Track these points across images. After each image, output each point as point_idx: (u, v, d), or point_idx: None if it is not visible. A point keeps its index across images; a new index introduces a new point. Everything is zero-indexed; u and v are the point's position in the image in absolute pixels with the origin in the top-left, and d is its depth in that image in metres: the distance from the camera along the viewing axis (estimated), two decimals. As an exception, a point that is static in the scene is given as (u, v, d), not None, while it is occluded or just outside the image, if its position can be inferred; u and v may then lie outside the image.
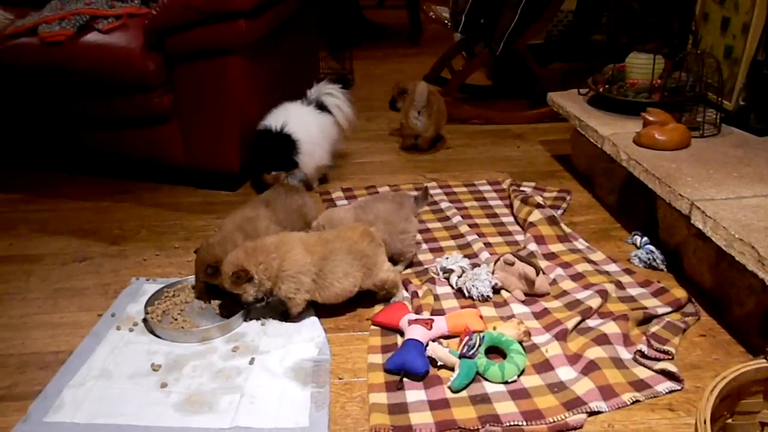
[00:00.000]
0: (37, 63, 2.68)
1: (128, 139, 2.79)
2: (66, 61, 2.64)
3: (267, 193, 2.29)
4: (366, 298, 1.98)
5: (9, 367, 1.78)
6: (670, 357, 1.70)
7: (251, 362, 1.75)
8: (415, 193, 2.64)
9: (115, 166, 2.98)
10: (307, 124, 2.70)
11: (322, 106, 2.82)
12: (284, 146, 2.60)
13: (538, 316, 1.90)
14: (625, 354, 1.72)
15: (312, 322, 1.91)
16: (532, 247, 2.24)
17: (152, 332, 1.89)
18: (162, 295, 2.03)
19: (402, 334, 1.81)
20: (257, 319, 1.93)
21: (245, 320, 1.93)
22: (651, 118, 2.36)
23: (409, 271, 2.17)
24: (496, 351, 1.74)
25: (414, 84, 3.15)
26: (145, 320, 1.92)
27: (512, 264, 1.99)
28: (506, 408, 1.56)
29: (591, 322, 1.85)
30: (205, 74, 2.60)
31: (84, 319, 1.97)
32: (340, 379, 1.70)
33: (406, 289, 2.04)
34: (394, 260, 2.16)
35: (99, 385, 1.67)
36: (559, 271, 2.11)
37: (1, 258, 2.34)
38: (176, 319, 1.93)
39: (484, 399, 1.59)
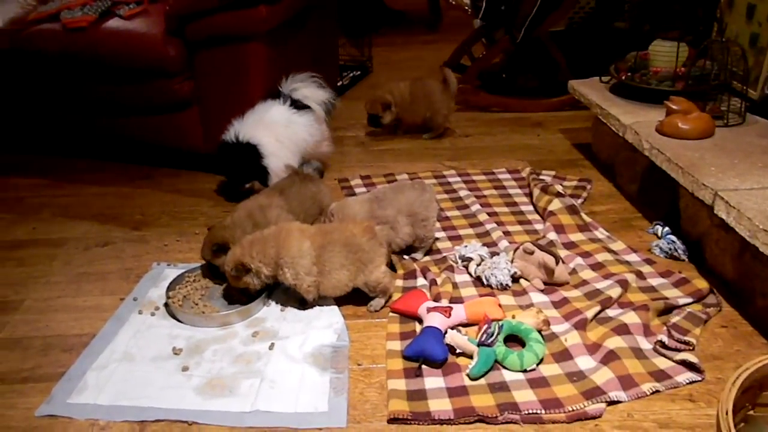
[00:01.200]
0: (59, 49, 2.71)
1: (149, 125, 2.81)
2: (88, 47, 2.66)
3: (282, 181, 2.32)
4: (385, 285, 1.98)
5: (33, 349, 1.81)
6: (691, 348, 1.69)
7: (271, 347, 1.76)
8: (433, 181, 2.65)
9: (135, 152, 3.00)
10: (271, 122, 2.56)
11: (297, 104, 2.65)
12: (245, 155, 2.49)
13: (557, 305, 1.90)
14: (645, 344, 1.71)
15: (331, 309, 1.92)
16: (552, 236, 2.23)
17: (173, 316, 1.92)
18: (183, 280, 2.05)
19: (420, 321, 1.82)
20: (277, 303, 1.95)
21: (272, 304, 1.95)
22: (674, 107, 2.33)
23: (427, 258, 2.18)
24: (514, 339, 1.74)
25: (443, 72, 3.22)
26: (166, 305, 1.95)
27: (532, 253, 1.99)
28: (525, 396, 1.56)
29: (611, 312, 1.84)
30: (226, 60, 2.61)
31: (107, 302, 2.00)
32: (358, 365, 1.71)
33: (425, 277, 2.04)
34: (413, 247, 2.17)
35: (121, 368, 1.70)
36: (579, 260, 2.10)
37: (26, 242, 2.38)
38: (197, 304, 1.95)
39: (502, 387, 1.59)
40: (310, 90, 2.70)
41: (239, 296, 1.94)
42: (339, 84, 3.86)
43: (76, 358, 1.75)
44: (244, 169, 2.51)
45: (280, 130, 2.57)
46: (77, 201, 2.68)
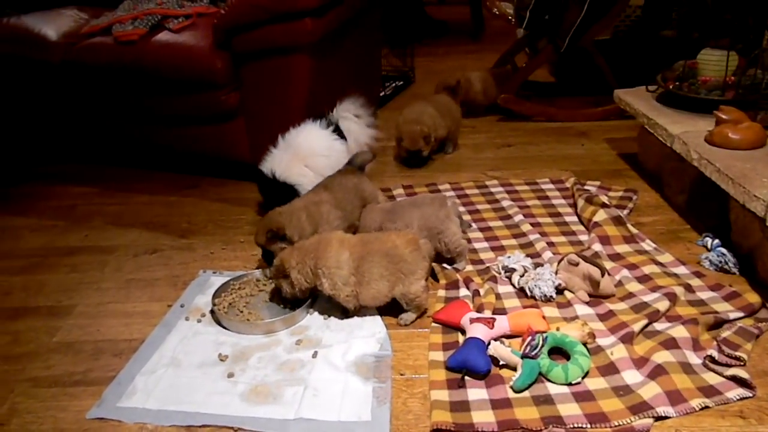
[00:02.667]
0: (111, 61, 2.79)
1: (196, 135, 2.87)
2: (138, 60, 2.74)
3: (325, 178, 2.36)
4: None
5: (85, 353, 1.86)
6: (742, 363, 1.64)
7: (314, 355, 1.78)
8: (475, 191, 2.64)
9: (183, 162, 3.07)
10: (309, 155, 2.51)
11: (340, 131, 2.63)
12: (284, 194, 2.40)
13: (602, 318, 1.87)
14: (695, 359, 1.68)
15: (374, 318, 1.93)
16: (597, 247, 2.20)
17: (219, 323, 1.95)
18: (228, 288, 2.09)
19: (463, 332, 1.81)
20: (320, 313, 1.96)
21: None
22: (724, 116, 2.28)
23: (470, 269, 2.17)
24: (559, 352, 1.72)
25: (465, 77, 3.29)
26: (212, 312, 1.98)
27: (576, 264, 1.96)
28: (570, 410, 1.54)
29: (658, 326, 1.81)
30: (272, 72, 2.65)
31: (155, 308, 2.04)
32: (401, 375, 1.71)
33: (467, 288, 2.04)
34: (449, 260, 2.17)
35: (169, 373, 1.74)
36: (625, 272, 2.07)
37: (78, 248, 2.45)
38: (242, 312, 1.98)
39: (547, 400, 1.57)
40: (354, 126, 2.70)
41: (283, 300, 1.98)
42: (382, 94, 3.88)
43: (126, 362, 1.79)
44: (280, 203, 2.32)
45: (318, 160, 2.53)
46: (127, 209, 2.75)
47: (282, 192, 2.44)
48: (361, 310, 1.94)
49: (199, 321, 1.97)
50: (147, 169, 3.14)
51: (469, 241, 2.33)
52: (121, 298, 2.12)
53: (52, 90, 3.00)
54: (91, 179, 3.06)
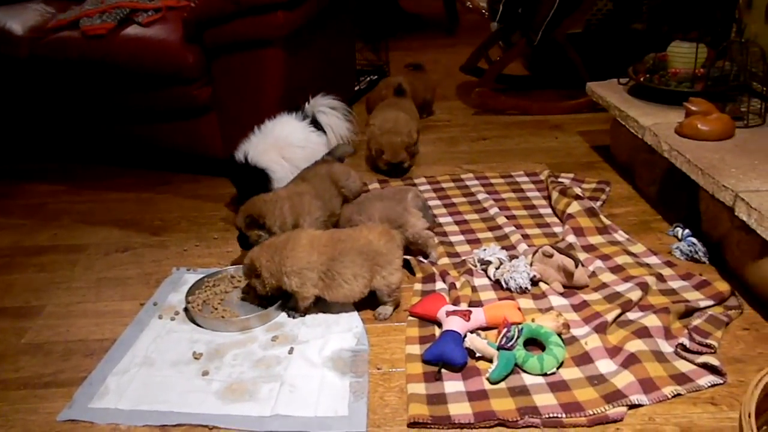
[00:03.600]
0: (79, 56, 2.74)
1: (168, 131, 2.84)
2: (107, 54, 2.69)
3: (302, 170, 2.37)
4: (404, 288, 1.98)
5: (55, 354, 1.83)
6: (713, 350, 1.67)
7: (290, 351, 1.77)
8: (451, 184, 2.65)
9: (155, 158, 3.03)
10: (285, 141, 2.50)
11: (317, 123, 2.63)
12: (254, 179, 2.42)
13: (577, 308, 1.88)
14: (667, 347, 1.70)
15: (350, 313, 1.92)
16: (571, 239, 2.22)
17: (193, 321, 1.93)
18: (202, 285, 2.06)
19: (440, 325, 1.82)
20: (293, 310, 1.94)
21: (284, 312, 1.95)
22: (694, 108, 2.31)
23: (446, 261, 2.17)
24: (534, 343, 1.73)
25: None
26: (186, 309, 1.96)
27: (551, 256, 1.98)
28: (545, 400, 1.55)
29: (631, 315, 1.83)
30: (244, 66, 2.63)
31: (127, 307, 2.01)
32: (378, 369, 1.70)
33: (444, 281, 2.04)
34: (424, 254, 2.17)
35: (142, 373, 1.71)
36: (599, 263, 2.09)
37: (47, 248, 2.40)
38: (216, 309, 1.96)
39: (522, 391, 1.58)
40: (334, 119, 2.69)
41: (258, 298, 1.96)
42: (356, 88, 3.86)
43: (97, 362, 1.76)
44: (252, 190, 2.35)
45: (294, 151, 2.51)
46: (97, 207, 2.71)
47: (252, 178, 2.42)
48: (338, 306, 1.93)
49: (172, 319, 1.94)
50: (118, 166, 3.09)
51: (444, 234, 2.33)
52: (91, 297, 2.09)
53: (19, 86, 2.94)
54: (61, 177, 3.01)
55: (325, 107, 2.69)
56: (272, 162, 2.45)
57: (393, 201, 2.17)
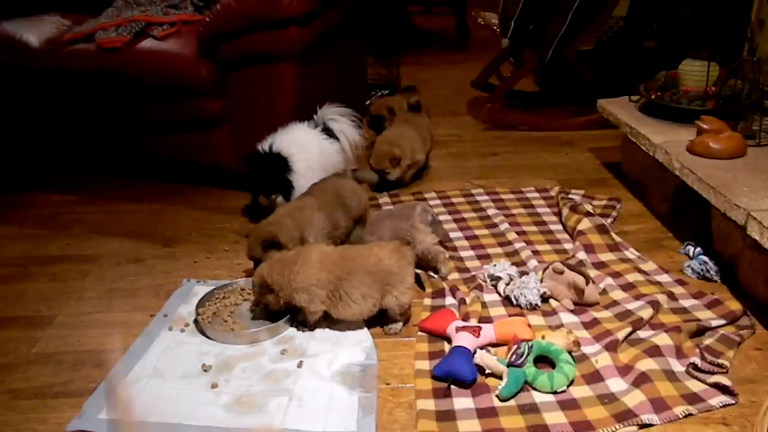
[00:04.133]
0: (94, 68, 2.77)
1: (180, 143, 2.85)
2: (122, 67, 2.72)
3: (312, 185, 2.38)
4: (413, 303, 1.98)
5: (65, 364, 1.83)
6: (724, 370, 1.65)
7: (299, 365, 1.77)
8: (461, 199, 2.65)
9: (167, 170, 3.05)
10: (304, 143, 2.55)
11: (328, 131, 2.66)
12: (274, 166, 2.47)
13: (587, 326, 1.88)
14: (678, 366, 1.69)
15: (359, 328, 1.92)
16: (582, 255, 2.21)
17: (203, 333, 1.93)
18: (213, 297, 2.07)
19: (449, 341, 1.81)
20: (302, 324, 1.94)
21: (292, 325, 1.95)
22: (705, 126, 2.31)
23: (456, 277, 2.17)
24: (544, 360, 1.72)
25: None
26: (196, 321, 1.96)
27: (561, 272, 1.97)
28: (555, 418, 1.54)
29: (642, 334, 1.82)
30: (257, 80, 2.65)
31: (137, 318, 2.02)
32: (387, 384, 1.70)
33: (454, 296, 2.04)
34: (434, 269, 2.17)
35: (152, 384, 1.71)
36: (609, 280, 2.08)
37: (59, 257, 2.42)
38: (226, 321, 1.97)
39: (532, 408, 1.58)
40: (345, 126, 2.70)
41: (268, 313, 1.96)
42: (367, 103, 3.88)
43: (108, 373, 1.76)
44: (271, 178, 2.48)
45: (312, 152, 2.56)
46: (109, 218, 2.72)
47: (274, 164, 2.47)
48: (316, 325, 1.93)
49: (182, 331, 1.95)
50: (130, 177, 3.11)
51: (455, 249, 2.33)
52: (102, 308, 2.09)
53: (35, 97, 2.97)
54: (73, 187, 3.02)
55: (336, 114, 2.71)
56: (296, 151, 2.50)
57: (400, 219, 2.18)
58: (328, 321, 1.93)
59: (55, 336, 1.96)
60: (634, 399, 1.57)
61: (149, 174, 3.09)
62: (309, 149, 2.56)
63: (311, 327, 1.92)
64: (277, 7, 2.48)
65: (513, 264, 2.17)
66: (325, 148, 2.62)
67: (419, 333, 1.89)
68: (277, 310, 1.92)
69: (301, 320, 1.93)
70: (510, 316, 1.93)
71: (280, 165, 2.48)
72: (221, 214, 2.71)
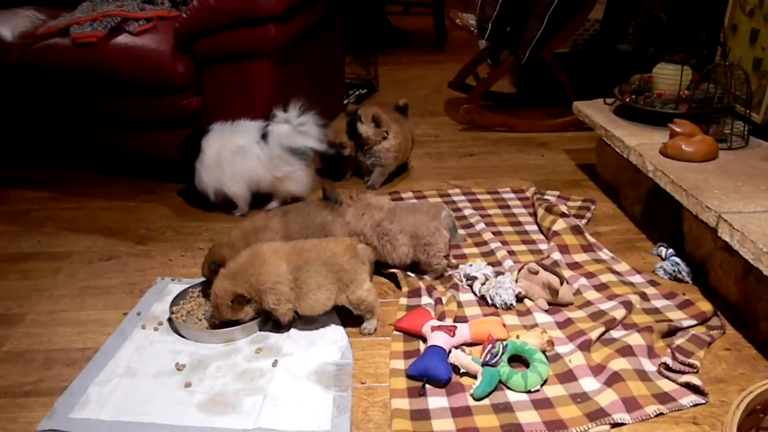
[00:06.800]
0: (68, 63, 2.73)
1: (156, 139, 2.82)
2: (97, 62, 2.68)
3: (293, 204, 2.31)
4: (389, 302, 1.98)
5: (36, 362, 1.81)
6: (695, 370, 1.68)
7: (274, 364, 1.76)
8: (438, 199, 2.65)
9: (141, 167, 3.01)
10: (226, 140, 2.55)
11: (265, 136, 2.54)
12: (193, 134, 2.61)
13: (561, 325, 1.89)
14: (650, 366, 1.71)
15: (335, 327, 1.92)
16: (556, 256, 2.23)
17: (177, 332, 1.91)
18: (187, 296, 2.05)
19: (425, 340, 1.82)
20: (276, 326, 1.93)
21: (268, 330, 1.93)
22: (678, 129, 2.34)
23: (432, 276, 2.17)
24: (518, 360, 1.74)
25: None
26: (170, 320, 1.95)
27: (536, 273, 1.99)
28: (529, 417, 1.55)
29: (615, 333, 1.84)
30: (234, 77, 2.63)
31: (110, 317, 2.00)
32: (362, 383, 1.70)
33: (430, 296, 2.04)
34: (422, 270, 2.17)
35: (124, 383, 1.70)
36: (583, 281, 2.10)
37: (30, 255, 2.38)
38: (201, 320, 1.95)
39: (506, 408, 1.59)
40: (284, 130, 2.54)
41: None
42: (345, 102, 3.88)
43: (79, 372, 1.74)
44: (187, 144, 2.59)
45: (228, 148, 2.54)
46: (82, 215, 2.68)
47: (192, 134, 2.60)
48: (321, 319, 1.92)
49: (156, 329, 1.93)
50: (104, 173, 3.07)
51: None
52: (74, 306, 2.07)
53: (7, 91, 2.92)
54: (46, 183, 2.98)
55: (282, 116, 2.55)
56: (212, 142, 2.56)
57: (426, 216, 2.14)
58: (304, 320, 1.92)
59: (26, 334, 1.93)
60: (607, 398, 1.58)
61: (124, 171, 3.05)
62: (227, 146, 2.54)
63: (286, 327, 1.91)
64: (255, 4, 2.47)
65: (489, 264, 2.18)
66: (247, 150, 2.53)
67: (395, 332, 1.89)
68: (258, 314, 1.89)
69: (275, 322, 1.91)
70: (485, 315, 1.94)
71: (197, 132, 2.58)
72: (196, 212, 2.69)
